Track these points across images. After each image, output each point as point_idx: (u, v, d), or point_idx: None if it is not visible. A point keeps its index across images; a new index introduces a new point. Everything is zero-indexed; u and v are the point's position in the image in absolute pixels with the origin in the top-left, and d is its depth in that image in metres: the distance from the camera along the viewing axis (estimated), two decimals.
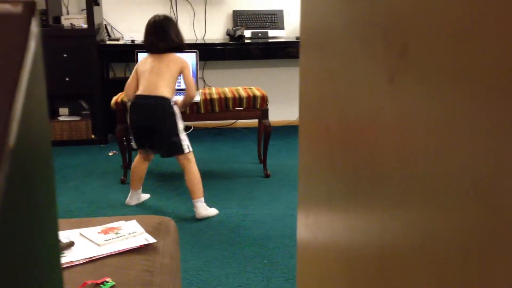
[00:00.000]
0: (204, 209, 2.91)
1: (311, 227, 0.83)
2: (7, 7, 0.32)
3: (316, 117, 0.79)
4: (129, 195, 3.07)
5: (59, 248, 0.42)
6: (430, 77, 0.40)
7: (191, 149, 2.93)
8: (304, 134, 0.89)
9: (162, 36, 2.91)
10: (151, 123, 2.87)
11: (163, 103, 2.85)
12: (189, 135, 4.52)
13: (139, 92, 2.90)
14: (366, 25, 0.52)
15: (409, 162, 0.43)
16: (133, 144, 3.03)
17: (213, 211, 2.96)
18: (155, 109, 2.85)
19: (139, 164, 3.01)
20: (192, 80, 3.01)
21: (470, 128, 0.34)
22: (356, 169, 0.57)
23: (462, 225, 0.36)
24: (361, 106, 0.54)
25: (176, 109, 2.90)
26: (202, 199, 2.93)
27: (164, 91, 2.85)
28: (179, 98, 3.06)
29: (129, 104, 2.97)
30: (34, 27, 0.33)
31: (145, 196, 3.13)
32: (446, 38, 0.37)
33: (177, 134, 2.87)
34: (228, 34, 4.56)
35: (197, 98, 3.37)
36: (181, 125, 2.92)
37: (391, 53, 0.45)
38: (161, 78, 2.87)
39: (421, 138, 0.41)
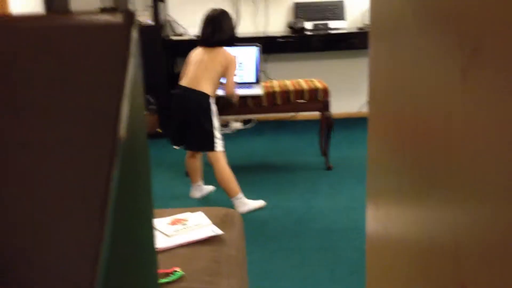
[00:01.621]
0: (243, 205, 2.91)
1: (381, 219, 0.83)
2: (110, 18, 0.35)
3: (386, 109, 0.78)
4: (191, 189, 3.15)
5: (154, 230, 0.46)
6: (505, 74, 0.39)
7: (222, 149, 2.93)
8: (374, 126, 0.88)
9: (215, 28, 2.94)
10: (186, 116, 2.90)
11: (201, 98, 2.87)
12: (251, 129, 4.57)
13: (182, 83, 2.95)
14: (439, 19, 0.51)
15: (482, 157, 0.42)
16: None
17: (256, 204, 2.96)
18: (192, 103, 2.88)
19: (190, 159, 3.09)
20: (232, 79, 2.99)
21: None
22: (428, 162, 0.56)
23: None
24: (433, 99, 0.54)
25: (214, 107, 2.92)
26: (238, 196, 2.93)
27: (206, 86, 2.88)
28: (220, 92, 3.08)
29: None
30: (134, 34, 0.36)
31: (209, 188, 3.19)
32: None
33: (210, 131, 2.88)
34: (289, 26, 4.56)
35: (259, 91, 3.40)
36: (216, 122, 2.92)
37: (464, 49, 0.45)
38: (206, 73, 2.90)
39: (494, 133, 0.40)
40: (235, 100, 3.17)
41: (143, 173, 0.42)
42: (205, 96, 2.88)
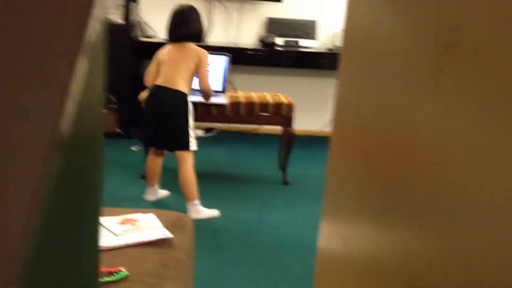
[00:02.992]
0: (196, 212, 2.89)
1: (336, 235, 0.83)
2: None
3: (349, 128, 0.79)
4: (146, 191, 3.10)
5: (99, 228, 0.45)
6: (478, 73, 0.38)
7: (195, 148, 2.91)
8: (336, 144, 0.89)
9: (182, 23, 2.92)
10: (161, 115, 2.86)
11: (179, 97, 2.86)
12: (212, 137, 4.56)
13: (157, 82, 2.91)
14: (414, 24, 0.51)
15: (443, 171, 0.42)
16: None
17: (210, 213, 2.94)
18: (169, 101, 2.85)
19: (153, 160, 3.03)
20: (205, 73, 2.94)
21: None
22: (387, 184, 0.57)
23: (490, 242, 0.35)
24: (401, 107, 0.54)
25: (190, 105, 2.91)
26: (195, 201, 2.90)
27: (181, 85, 2.86)
28: (196, 99, 3.06)
29: (147, 92, 2.98)
30: (97, 14, 0.34)
31: (164, 193, 3.16)
32: (499, 34, 0.36)
33: (186, 130, 2.86)
34: (260, 40, 4.59)
35: (224, 101, 3.40)
36: (192, 122, 2.91)
37: (438, 50, 0.44)
38: (178, 70, 2.87)
39: (461, 145, 0.40)
40: (210, 95, 3.07)
41: (94, 170, 0.40)
42: (183, 95, 2.86)
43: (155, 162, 3.03)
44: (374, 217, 0.63)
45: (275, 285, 2.29)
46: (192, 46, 2.93)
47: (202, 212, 2.91)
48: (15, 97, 0.30)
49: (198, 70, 2.91)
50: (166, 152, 3.07)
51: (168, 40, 3.01)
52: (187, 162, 2.88)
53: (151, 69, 3.00)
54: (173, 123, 2.86)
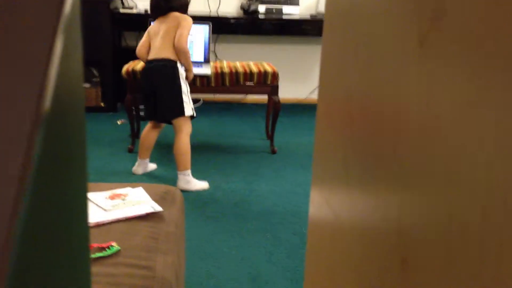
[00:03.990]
0: (186, 182, 2.89)
1: (326, 203, 0.83)
2: None
3: (336, 93, 0.78)
4: (136, 164, 3.08)
5: (87, 204, 0.44)
6: (463, 42, 0.38)
7: (193, 114, 2.90)
8: (323, 110, 0.88)
9: None
10: (154, 87, 2.85)
11: (166, 64, 2.83)
12: (197, 109, 4.52)
13: (148, 58, 2.91)
14: None
15: (432, 138, 0.42)
16: (143, 113, 3.03)
17: (200, 185, 2.93)
18: (158, 70, 2.83)
19: (149, 132, 3.01)
20: (183, 32, 2.84)
21: (505, 105, 0.33)
22: (375, 146, 0.56)
23: (480, 208, 0.35)
24: (386, 74, 0.53)
25: (182, 70, 2.88)
26: (186, 171, 2.89)
27: (167, 52, 2.84)
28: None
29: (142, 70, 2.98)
30: None
31: (152, 166, 3.14)
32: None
33: (179, 95, 2.84)
34: (242, 8, 4.52)
35: (208, 72, 3.36)
36: (185, 86, 2.88)
37: (422, 18, 0.44)
38: (165, 40, 2.85)
39: (449, 113, 0.39)
40: (187, 56, 2.92)
41: (76, 145, 0.39)
42: (170, 62, 2.83)
43: (150, 135, 3.01)
44: (361, 185, 0.63)
45: (268, 254, 2.30)
46: (175, 14, 2.90)
47: (192, 183, 2.91)
48: None
49: (177, 34, 2.85)
50: (163, 125, 3.05)
51: (154, 16, 2.96)
52: (183, 131, 2.86)
53: (142, 43, 2.98)
54: (165, 91, 2.83)
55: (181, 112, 2.84)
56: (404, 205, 0.48)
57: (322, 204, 0.88)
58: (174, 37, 2.85)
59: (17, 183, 0.26)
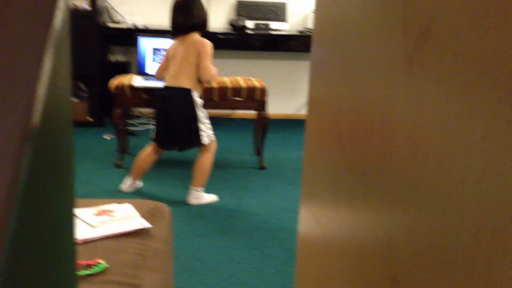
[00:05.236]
0: (198, 198, 2.92)
1: (315, 219, 0.82)
2: None
3: (323, 110, 0.78)
4: (126, 182, 3.03)
5: (74, 220, 0.44)
6: (451, 60, 0.38)
7: (212, 139, 2.92)
8: (311, 127, 0.88)
9: (186, 14, 2.86)
10: (169, 116, 2.85)
11: (183, 94, 2.83)
12: None
13: (166, 83, 2.90)
14: (384, 10, 0.51)
15: (422, 155, 0.42)
16: (151, 134, 3.00)
17: (210, 198, 2.97)
18: (174, 100, 2.84)
19: (148, 156, 2.97)
20: (206, 62, 2.84)
21: (493, 122, 0.33)
22: (364, 164, 0.55)
23: (470, 226, 0.35)
24: (375, 92, 0.53)
25: (198, 100, 2.87)
26: (200, 188, 2.92)
27: (185, 81, 2.83)
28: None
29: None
30: (61, 2, 0.33)
31: (140, 185, 3.11)
32: (470, 19, 0.36)
33: (195, 127, 2.85)
34: (230, 23, 4.54)
35: None
36: (201, 115, 2.88)
37: (410, 35, 0.44)
38: (182, 67, 2.83)
39: (437, 130, 0.39)
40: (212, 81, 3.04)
41: (64, 160, 0.39)
42: (186, 91, 2.82)
43: (149, 159, 2.98)
44: (350, 202, 0.63)
45: (257, 270, 2.28)
46: (194, 38, 2.87)
47: (203, 198, 2.93)
48: None
49: (199, 60, 2.83)
50: (164, 152, 3.03)
51: (173, 34, 2.94)
52: (208, 151, 2.91)
53: (161, 64, 3.00)
54: (182, 121, 2.85)
55: (198, 141, 2.86)
56: (393, 223, 0.47)
57: (311, 220, 0.88)
58: (192, 64, 2.82)
59: (4, 199, 0.26)
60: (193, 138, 2.86)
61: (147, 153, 2.97)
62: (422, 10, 0.42)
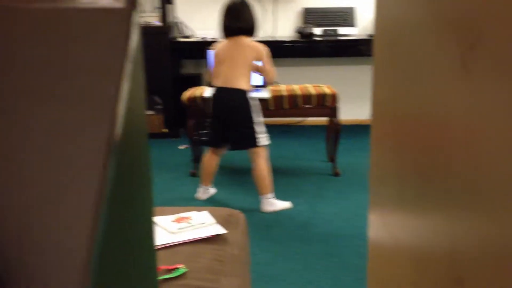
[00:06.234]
0: (270, 205, 2.92)
1: (383, 226, 0.81)
2: (111, 2, 0.35)
3: (388, 114, 0.76)
4: (199, 190, 3.10)
5: (153, 227, 0.45)
6: (506, 66, 0.37)
7: (266, 143, 2.93)
8: (376, 132, 0.86)
9: (234, 18, 2.91)
10: (226, 116, 2.89)
11: (239, 95, 2.86)
12: None
13: (218, 84, 2.92)
14: (439, 20, 0.50)
15: (481, 161, 0.40)
16: (204, 138, 3.06)
17: (283, 205, 2.96)
18: (230, 102, 2.87)
19: (210, 159, 3.03)
20: (269, 67, 2.97)
21: None
22: (427, 167, 0.55)
23: None
24: (432, 100, 0.53)
25: (253, 101, 2.90)
26: (268, 195, 2.93)
27: (240, 82, 2.86)
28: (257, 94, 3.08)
29: (210, 95, 3.00)
30: (136, 20, 0.35)
31: (213, 191, 3.16)
32: None
33: (251, 127, 2.87)
34: (298, 31, 4.54)
35: (267, 95, 3.37)
36: (257, 117, 2.91)
37: (463, 46, 0.43)
38: (237, 68, 2.87)
39: (496, 134, 0.38)
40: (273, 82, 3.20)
41: (142, 170, 0.41)
42: (243, 93, 2.86)
43: (212, 161, 3.04)
44: (414, 207, 0.62)
45: (334, 278, 2.24)
46: (248, 41, 2.92)
47: (276, 204, 2.93)
48: (73, 116, 0.33)
49: (261, 68, 2.94)
50: (223, 151, 3.07)
51: (223, 36, 2.99)
52: (259, 156, 2.91)
53: (214, 70, 3.02)
54: (237, 123, 2.88)
55: (254, 143, 2.88)
56: (457, 224, 0.47)
57: (380, 226, 0.86)
58: (248, 66, 2.88)
59: (94, 208, 0.29)
60: (249, 139, 2.88)
61: (208, 157, 3.03)
62: (475, 16, 0.42)
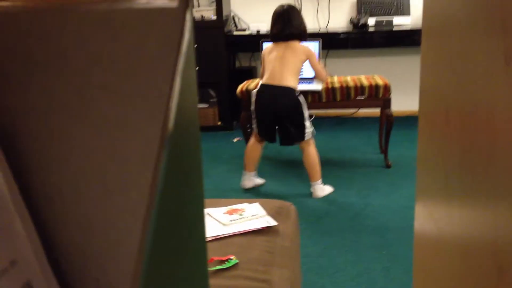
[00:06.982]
0: (321, 191, 3.03)
1: (429, 217, 0.83)
2: (165, 2, 0.36)
3: (435, 106, 0.78)
4: (244, 179, 3.18)
5: (203, 219, 0.48)
6: None
7: (312, 135, 3.01)
8: (424, 123, 0.88)
9: (286, 23, 2.98)
10: (276, 113, 2.95)
11: (288, 93, 2.92)
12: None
13: (264, 81, 2.99)
14: (483, 9, 0.51)
15: None
16: (254, 127, 3.13)
17: (330, 189, 3.08)
18: (280, 99, 2.93)
19: (254, 146, 3.12)
20: (319, 67, 3.11)
21: None
22: (473, 158, 0.56)
23: None
24: (477, 94, 0.54)
25: (301, 98, 2.96)
26: (319, 181, 3.02)
27: (289, 80, 2.92)
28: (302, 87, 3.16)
29: (254, 91, 3.07)
30: (189, 18, 0.38)
31: (260, 181, 3.23)
32: None
33: (302, 124, 2.96)
34: (351, 22, 4.52)
35: (319, 87, 3.40)
36: (306, 113, 2.98)
37: (508, 37, 0.45)
38: (286, 67, 2.94)
39: None
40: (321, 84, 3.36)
41: (193, 163, 0.43)
42: (291, 91, 2.93)
43: (255, 148, 3.12)
44: (459, 199, 0.63)
45: (386, 270, 2.27)
46: (298, 44, 3.01)
47: (325, 189, 3.06)
48: (129, 112, 0.35)
49: (312, 66, 3.09)
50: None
51: (272, 40, 3.08)
52: (309, 145, 3.02)
53: (263, 69, 3.12)
54: (288, 121, 2.96)
55: (302, 138, 2.99)
56: (498, 216, 0.48)
57: (426, 217, 0.88)
58: (297, 65, 2.99)
59: (147, 201, 0.30)
60: (299, 134, 2.97)
61: (252, 144, 3.12)
62: None
